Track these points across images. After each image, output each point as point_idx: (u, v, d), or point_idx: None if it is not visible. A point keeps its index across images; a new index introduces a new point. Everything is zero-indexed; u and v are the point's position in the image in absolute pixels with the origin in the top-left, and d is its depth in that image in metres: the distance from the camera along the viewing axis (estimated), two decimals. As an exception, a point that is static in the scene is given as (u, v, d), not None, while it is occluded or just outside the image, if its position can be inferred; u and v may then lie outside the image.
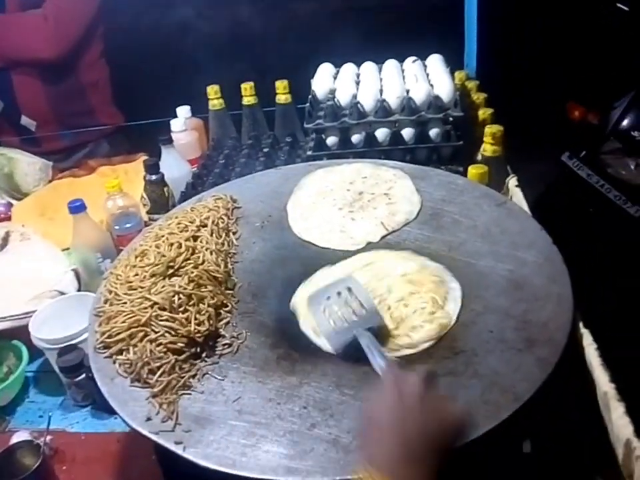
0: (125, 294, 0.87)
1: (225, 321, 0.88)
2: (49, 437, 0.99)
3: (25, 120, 1.94)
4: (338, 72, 1.51)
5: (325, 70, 1.50)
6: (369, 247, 1.02)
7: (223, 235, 1.04)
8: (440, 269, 0.93)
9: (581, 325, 0.84)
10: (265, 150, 1.52)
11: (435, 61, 1.46)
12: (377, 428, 0.59)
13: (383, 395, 0.62)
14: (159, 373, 0.77)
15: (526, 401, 0.69)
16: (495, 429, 0.67)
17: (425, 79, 1.37)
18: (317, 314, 0.82)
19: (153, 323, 0.81)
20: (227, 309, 0.89)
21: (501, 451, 0.75)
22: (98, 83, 2.01)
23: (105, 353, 0.82)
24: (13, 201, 1.72)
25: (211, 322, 0.84)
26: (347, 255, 1.01)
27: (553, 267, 0.89)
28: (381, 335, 0.79)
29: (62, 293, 1.24)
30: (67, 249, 1.39)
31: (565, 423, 0.81)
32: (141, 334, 0.81)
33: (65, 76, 1.91)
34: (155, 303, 0.83)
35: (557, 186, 1.97)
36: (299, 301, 0.91)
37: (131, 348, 0.80)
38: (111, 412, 1.10)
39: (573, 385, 0.78)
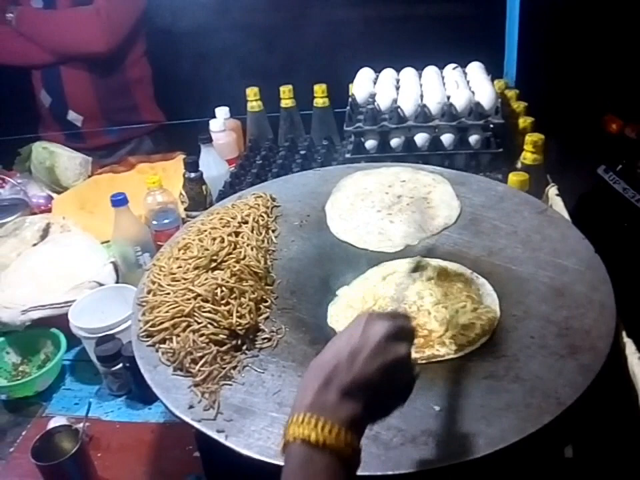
0: (169, 285, 0.89)
1: (264, 315, 0.88)
2: (85, 425, 1.00)
3: (72, 115, 1.99)
4: (377, 77, 1.52)
5: (365, 74, 1.51)
6: (408, 249, 1.03)
7: (263, 232, 1.05)
8: (460, 267, 0.95)
9: (624, 334, 0.83)
10: (302, 152, 1.53)
11: (476, 69, 1.47)
12: (329, 352, 0.58)
13: (348, 327, 0.60)
14: (201, 362, 0.78)
15: (569, 406, 0.69)
16: (536, 433, 0.67)
17: (466, 85, 1.37)
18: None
19: (195, 313, 0.83)
20: (266, 304, 0.90)
21: (543, 456, 0.74)
22: (142, 80, 2.05)
23: (148, 341, 0.84)
24: (53, 194, 1.76)
25: (252, 316, 0.85)
26: (384, 257, 1.02)
27: (595, 275, 0.88)
28: None
29: (100, 284, 1.27)
30: (105, 241, 1.42)
31: (607, 429, 0.80)
32: (184, 324, 0.82)
33: (112, 72, 1.96)
34: (198, 295, 0.85)
35: (592, 198, 1.95)
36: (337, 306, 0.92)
37: (174, 337, 0.81)
38: (146, 402, 1.13)
39: (615, 392, 0.78)
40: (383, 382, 0.56)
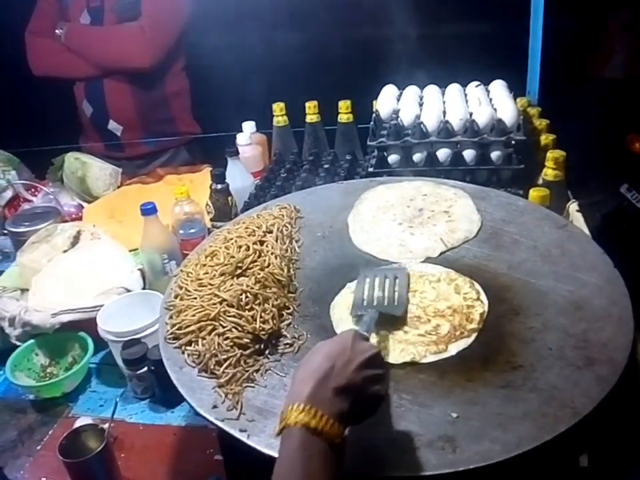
0: (195, 290, 0.92)
1: (286, 322, 0.91)
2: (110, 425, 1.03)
3: (112, 124, 2.07)
4: (401, 94, 1.55)
5: (389, 91, 1.54)
6: (428, 261, 1.04)
7: (287, 241, 1.08)
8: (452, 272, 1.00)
9: (641, 347, 0.84)
10: (325, 166, 1.56)
11: (498, 86, 1.49)
12: (321, 356, 0.67)
13: (338, 339, 0.70)
14: (225, 364, 0.81)
15: (584, 416, 0.70)
16: (552, 441, 0.68)
17: (488, 102, 1.39)
18: (360, 282, 0.95)
19: (221, 318, 0.86)
20: (288, 311, 0.93)
21: (558, 464, 0.75)
22: (180, 94, 2.12)
23: (174, 343, 0.87)
24: (84, 203, 1.81)
25: (275, 321, 0.88)
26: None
27: (613, 290, 0.89)
28: (396, 325, 0.89)
29: (128, 290, 1.31)
30: (133, 249, 1.46)
31: (622, 439, 0.80)
32: (210, 327, 0.85)
33: (152, 85, 2.03)
34: (224, 300, 0.87)
35: (614, 217, 1.95)
36: (337, 303, 0.95)
37: (199, 340, 0.84)
38: (169, 406, 1.16)
39: (632, 404, 0.78)
40: (365, 390, 0.66)
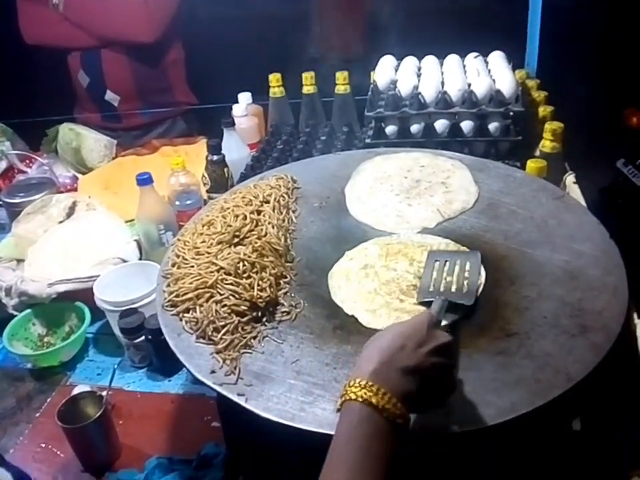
0: (193, 258, 0.92)
1: (284, 290, 0.91)
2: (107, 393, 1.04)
3: (109, 95, 2.04)
4: (399, 64, 1.54)
5: (386, 61, 1.53)
6: (425, 232, 1.05)
7: (284, 211, 1.07)
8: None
9: (635, 316, 0.84)
10: (322, 138, 1.56)
11: (497, 58, 1.48)
12: (393, 335, 0.64)
13: (413, 321, 0.67)
14: (222, 331, 0.81)
15: (578, 381, 0.71)
16: (545, 405, 0.69)
17: (487, 73, 1.38)
18: (428, 266, 0.89)
19: (218, 285, 0.86)
20: (285, 280, 0.93)
21: (552, 428, 0.76)
22: (176, 62, 2.10)
23: (172, 310, 0.87)
24: (78, 175, 1.80)
25: (272, 290, 0.88)
26: (400, 238, 1.04)
27: (609, 260, 0.90)
28: (464, 314, 0.83)
29: (124, 261, 1.31)
30: (129, 220, 1.46)
31: (615, 405, 0.81)
32: (207, 295, 0.85)
33: (150, 54, 2.00)
34: (221, 268, 0.88)
35: (611, 192, 1.95)
36: (335, 272, 0.95)
37: (197, 307, 0.84)
38: (166, 374, 1.17)
39: (625, 371, 0.79)
40: (433, 376, 0.63)
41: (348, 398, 0.60)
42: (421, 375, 0.62)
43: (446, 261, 0.89)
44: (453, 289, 0.84)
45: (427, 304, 0.82)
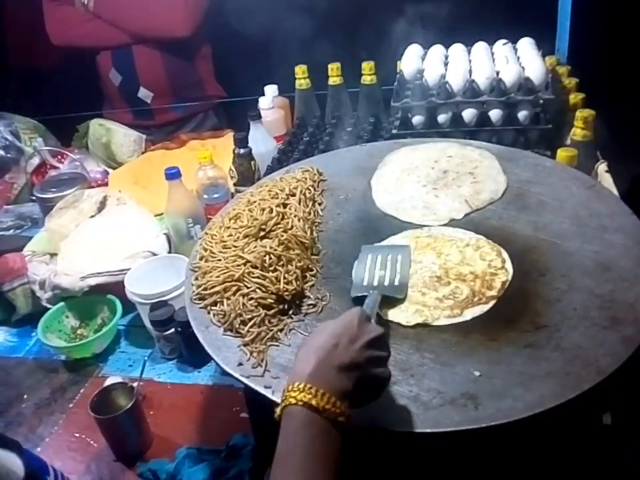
0: (220, 252, 0.93)
1: (310, 283, 0.91)
2: (139, 384, 1.06)
3: (142, 92, 2.05)
4: (426, 53, 1.52)
5: (413, 50, 1.51)
6: (452, 223, 1.04)
7: (310, 204, 1.08)
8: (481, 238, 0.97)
9: (669, 308, 0.82)
10: (348, 129, 1.55)
11: (526, 44, 1.45)
12: (326, 335, 0.65)
13: (343, 318, 0.68)
14: (250, 324, 0.82)
15: (609, 375, 0.69)
16: (575, 399, 0.68)
17: (516, 61, 1.36)
18: (360, 261, 0.92)
19: (245, 279, 0.86)
20: (312, 272, 0.93)
21: (581, 422, 0.75)
22: (205, 56, 2.11)
23: (200, 304, 0.88)
24: (109, 169, 1.83)
25: (298, 283, 0.88)
26: (427, 229, 1.03)
27: (642, 250, 0.88)
28: (394, 305, 0.85)
29: (154, 254, 1.33)
30: (158, 214, 1.48)
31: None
32: (234, 288, 0.86)
33: (181, 48, 2.01)
34: (248, 261, 0.88)
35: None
36: None
37: (224, 300, 0.85)
38: (195, 366, 1.19)
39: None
40: (368, 370, 0.64)
41: (288, 403, 0.60)
42: (356, 371, 0.63)
43: (378, 255, 0.92)
44: (386, 282, 0.87)
45: (361, 299, 0.82)
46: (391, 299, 0.85)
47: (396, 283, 0.87)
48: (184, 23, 1.92)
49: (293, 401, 0.59)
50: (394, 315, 0.84)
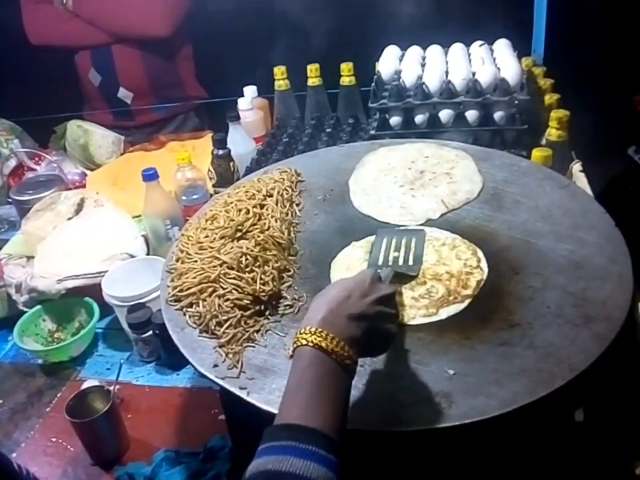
0: (196, 253, 0.93)
1: (287, 284, 0.91)
2: (116, 387, 1.05)
3: (122, 92, 2.03)
4: (403, 54, 1.53)
5: (390, 51, 1.52)
6: (428, 223, 1.04)
7: (287, 205, 1.08)
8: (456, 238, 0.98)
9: (640, 305, 0.84)
10: (328, 130, 1.55)
11: (502, 46, 1.46)
12: (339, 287, 0.69)
13: (357, 276, 0.72)
14: (225, 325, 0.82)
15: (581, 372, 0.70)
16: (547, 396, 0.69)
17: (492, 62, 1.37)
18: (377, 242, 0.96)
19: (221, 280, 0.86)
20: (289, 273, 0.93)
21: (554, 419, 0.76)
22: (186, 57, 2.09)
23: (176, 305, 0.87)
24: (87, 171, 1.82)
25: (275, 283, 0.88)
26: (403, 228, 1.03)
27: (614, 248, 0.89)
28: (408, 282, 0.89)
29: (132, 256, 1.32)
30: (137, 216, 1.47)
31: (617, 395, 0.81)
32: (210, 289, 0.86)
33: (161, 48, 1.99)
34: (224, 262, 0.88)
35: (621, 179, 1.93)
36: (337, 261, 0.96)
37: (200, 302, 0.85)
38: (174, 368, 1.18)
39: (628, 361, 0.79)
40: (377, 322, 0.68)
41: (299, 344, 0.63)
42: (365, 322, 0.66)
43: (393, 237, 0.96)
44: (400, 261, 0.91)
45: None
46: (403, 276, 0.88)
47: (410, 262, 0.91)
48: (163, 22, 1.91)
49: (304, 342, 0.63)
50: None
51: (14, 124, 1.91)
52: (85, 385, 1.09)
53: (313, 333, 0.63)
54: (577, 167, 1.21)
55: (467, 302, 0.85)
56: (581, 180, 1.17)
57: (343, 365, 0.62)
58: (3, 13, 1.96)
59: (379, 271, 0.81)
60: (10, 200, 1.67)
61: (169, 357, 1.17)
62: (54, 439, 1.07)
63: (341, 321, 0.65)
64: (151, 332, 1.16)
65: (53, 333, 1.30)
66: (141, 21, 1.91)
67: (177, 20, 1.94)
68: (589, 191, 1.11)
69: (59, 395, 1.17)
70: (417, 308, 0.85)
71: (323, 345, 0.62)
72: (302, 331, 0.64)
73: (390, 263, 0.90)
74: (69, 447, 1.05)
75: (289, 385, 0.62)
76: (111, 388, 1.02)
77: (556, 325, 0.78)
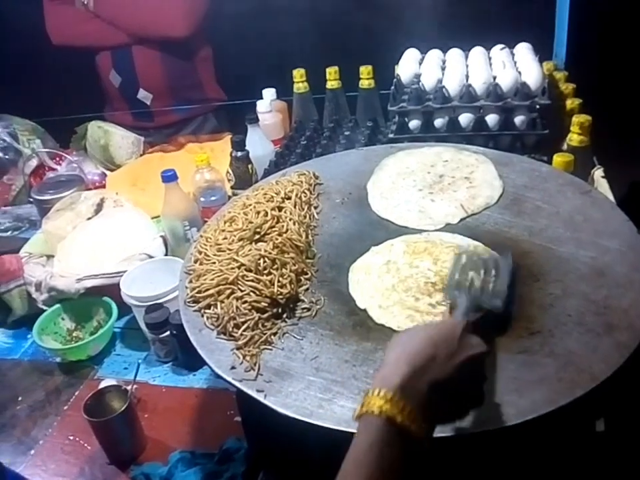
0: (214, 255, 0.93)
1: (304, 287, 0.91)
2: (133, 387, 1.06)
3: (142, 93, 2.05)
4: (423, 58, 1.52)
5: (410, 55, 1.52)
6: (448, 228, 1.03)
7: (305, 208, 1.08)
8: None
9: (663, 314, 0.82)
10: (346, 133, 1.55)
11: (523, 49, 1.45)
12: (424, 342, 0.60)
13: (445, 326, 0.63)
14: (243, 327, 0.82)
15: (602, 381, 0.69)
16: (567, 405, 0.68)
17: (513, 66, 1.36)
18: (456, 265, 0.83)
19: (239, 282, 0.86)
20: (306, 276, 0.93)
21: (574, 429, 0.75)
22: (206, 59, 2.11)
23: (194, 306, 0.88)
24: (107, 172, 1.83)
25: (292, 286, 0.88)
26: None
27: (636, 256, 0.87)
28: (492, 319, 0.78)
29: (150, 257, 1.33)
30: (155, 217, 1.47)
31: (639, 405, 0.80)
32: (228, 291, 0.86)
33: (181, 50, 2.01)
34: (242, 265, 0.88)
35: (644, 185, 1.90)
36: (357, 266, 0.95)
37: (218, 303, 0.85)
38: (190, 369, 1.19)
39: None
40: (464, 387, 0.60)
41: (370, 410, 0.55)
42: (451, 387, 0.58)
43: (476, 261, 0.83)
44: (482, 291, 0.78)
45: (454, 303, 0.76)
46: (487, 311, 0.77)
47: (491, 293, 0.77)
48: (182, 23, 1.92)
49: (376, 410, 0.55)
50: (385, 319, 0.84)
51: (36, 124, 1.93)
52: (103, 384, 1.10)
53: (388, 399, 0.55)
54: (598, 172, 1.20)
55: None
56: (603, 186, 1.16)
57: (417, 445, 0.55)
58: (24, 14, 1.99)
59: (457, 299, 0.75)
60: (31, 199, 1.69)
61: (186, 357, 1.17)
62: (71, 437, 1.08)
63: (422, 387, 0.56)
64: (168, 332, 1.16)
65: (72, 332, 1.31)
66: (160, 21, 1.93)
67: (196, 21, 1.95)
68: (610, 197, 1.09)
69: (76, 394, 1.18)
70: (433, 315, 0.84)
71: (398, 419, 0.54)
72: (375, 393, 0.56)
73: (471, 290, 0.77)
74: (86, 445, 1.06)
75: (352, 456, 0.55)
76: (129, 388, 1.02)
77: (577, 333, 0.77)
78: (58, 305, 1.30)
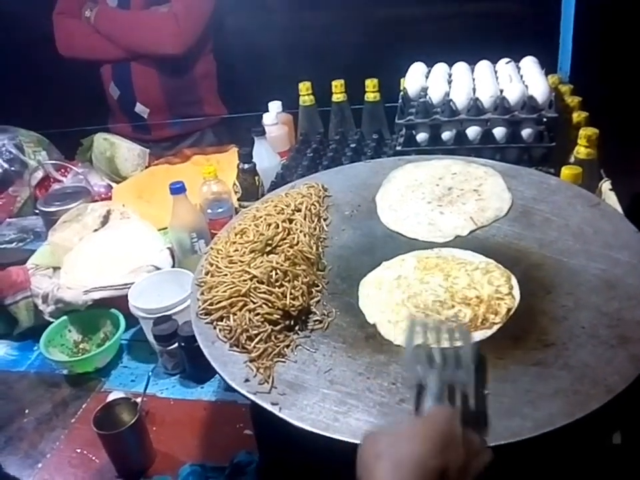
0: (226, 267, 0.93)
1: (316, 299, 0.91)
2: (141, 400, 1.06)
3: (139, 107, 2.08)
4: (429, 71, 1.53)
5: (417, 68, 1.53)
6: (457, 240, 1.04)
7: (315, 220, 1.08)
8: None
9: (676, 327, 0.82)
10: (352, 146, 1.56)
11: (529, 63, 1.46)
12: (413, 447, 0.54)
13: (441, 426, 0.57)
14: (256, 340, 0.82)
15: (618, 393, 0.69)
16: (583, 418, 0.67)
17: (519, 79, 1.37)
18: (411, 334, 0.75)
19: (251, 294, 0.86)
20: (317, 288, 0.93)
21: (590, 442, 0.75)
22: (208, 75, 2.12)
23: (206, 318, 0.87)
24: (112, 184, 1.84)
25: (304, 298, 0.88)
26: (433, 247, 1.03)
27: (648, 268, 0.88)
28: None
29: (158, 268, 1.33)
30: (162, 229, 1.48)
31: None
32: (241, 303, 0.86)
33: (180, 67, 2.03)
34: (254, 277, 0.88)
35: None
36: (367, 281, 0.95)
37: (231, 315, 0.85)
38: (199, 381, 1.18)
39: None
40: None
41: None
42: None
43: (432, 328, 0.76)
44: (445, 362, 0.70)
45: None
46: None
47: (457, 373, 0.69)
48: (174, 41, 1.94)
49: None
50: (395, 334, 0.84)
51: (41, 136, 1.94)
52: (111, 397, 1.10)
53: None
54: (606, 185, 1.20)
55: (494, 328, 0.83)
56: (611, 198, 1.16)
57: None
58: (30, 27, 2.01)
59: (423, 377, 0.67)
60: (37, 211, 1.69)
61: (194, 369, 1.17)
62: (79, 450, 1.07)
63: None
64: (176, 344, 1.16)
65: (79, 344, 1.31)
66: (152, 39, 1.95)
67: (190, 39, 1.96)
68: (619, 209, 1.10)
69: (83, 406, 1.17)
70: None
71: None
72: None
73: (433, 365, 0.70)
74: (94, 458, 1.05)
75: None
76: (138, 400, 1.02)
77: (591, 346, 0.77)
78: (65, 317, 1.30)
